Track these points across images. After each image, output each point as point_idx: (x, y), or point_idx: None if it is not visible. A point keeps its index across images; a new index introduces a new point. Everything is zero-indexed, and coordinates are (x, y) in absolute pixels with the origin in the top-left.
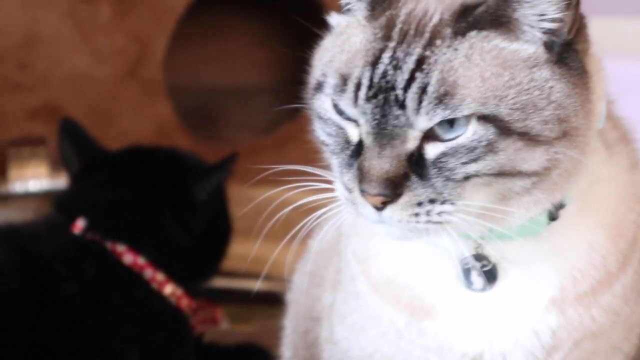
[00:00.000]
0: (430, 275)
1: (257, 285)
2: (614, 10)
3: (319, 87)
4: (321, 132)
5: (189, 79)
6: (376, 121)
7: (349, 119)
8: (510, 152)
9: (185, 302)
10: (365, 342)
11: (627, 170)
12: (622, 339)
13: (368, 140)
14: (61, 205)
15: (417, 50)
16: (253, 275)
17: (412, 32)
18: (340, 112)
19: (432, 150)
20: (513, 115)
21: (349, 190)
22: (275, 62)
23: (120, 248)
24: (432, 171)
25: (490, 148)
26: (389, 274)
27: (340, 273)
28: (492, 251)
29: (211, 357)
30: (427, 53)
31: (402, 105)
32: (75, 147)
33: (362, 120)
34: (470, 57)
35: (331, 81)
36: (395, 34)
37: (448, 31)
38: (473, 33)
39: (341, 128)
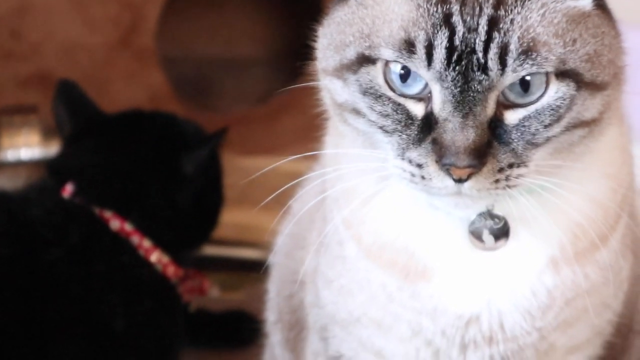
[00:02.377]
0: (432, 237)
1: (248, 253)
2: None
3: (365, 61)
4: (369, 112)
5: (183, 48)
6: (459, 88)
7: (404, 95)
8: (580, 104)
9: (171, 270)
10: (353, 306)
11: (617, 120)
12: (612, 295)
13: (446, 111)
14: (53, 169)
15: (487, 11)
16: (244, 243)
17: None
18: (393, 89)
19: (513, 116)
20: (585, 67)
21: (419, 166)
22: (270, 32)
23: (108, 213)
24: (514, 135)
25: (571, 105)
26: (385, 239)
27: (324, 237)
28: (500, 209)
29: (199, 323)
30: (500, 12)
31: (484, 69)
32: (69, 109)
33: (437, 88)
34: (544, 15)
35: (386, 51)
36: None
37: None
38: None
39: (399, 104)
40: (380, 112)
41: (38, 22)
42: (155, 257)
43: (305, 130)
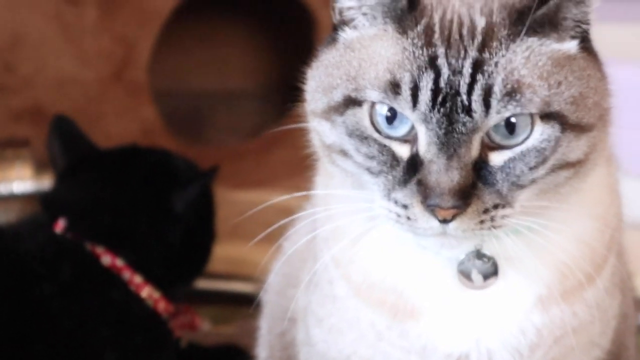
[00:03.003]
0: (420, 277)
1: (240, 287)
2: (615, 16)
3: (352, 103)
4: (355, 153)
5: (175, 82)
6: (443, 130)
7: (389, 137)
8: (565, 146)
9: (162, 306)
10: (343, 344)
11: (605, 160)
12: (600, 333)
13: (431, 152)
14: (45, 203)
15: (472, 54)
16: (235, 276)
17: (456, 36)
18: (379, 131)
19: (498, 158)
20: (570, 109)
21: (405, 207)
22: (261, 66)
23: (99, 249)
24: (499, 177)
25: (556, 147)
26: (374, 278)
27: (315, 275)
28: (488, 248)
29: (191, 357)
30: (485, 55)
31: (468, 111)
32: (63, 144)
33: (422, 129)
34: (529, 57)
35: (372, 92)
36: (438, 40)
37: (504, 33)
38: (530, 35)
39: (385, 146)
40: (366, 153)
41: (31, 56)
42: (146, 292)
43: (297, 164)
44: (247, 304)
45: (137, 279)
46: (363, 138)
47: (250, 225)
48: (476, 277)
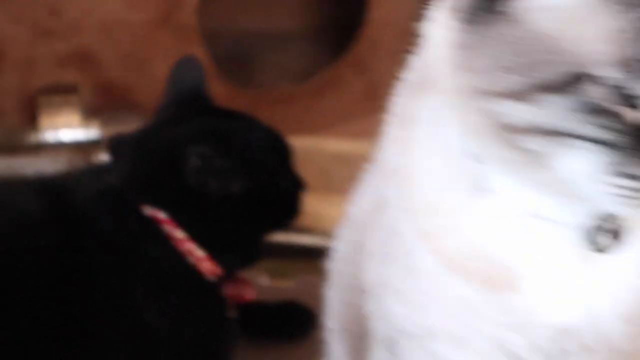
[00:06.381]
0: (525, 245)
1: (298, 239)
2: None
3: (578, 79)
4: (594, 131)
5: (224, 24)
6: None
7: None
8: None
9: (207, 266)
10: (426, 319)
11: None
12: None
13: None
14: (113, 147)
15: None
16: (292, 228)
17: None
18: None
19: None
20: None
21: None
22: (311, 6)
23: (142, 199)
24: None
25: None
26: (474, 249)
27: (388, 246)
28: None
29: (251, 314)
30: None
31: None
32: (171, 85)
33: None
34: None
35: (606, 70)
36: None
37: None
38: None
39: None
40: (601, 125)
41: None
42: (187, 248)
43: (351, 108)
44: (306, 257)
45: (179, 233)
46: (598, 111)
47: (306, 173)
48: (602, 240)
